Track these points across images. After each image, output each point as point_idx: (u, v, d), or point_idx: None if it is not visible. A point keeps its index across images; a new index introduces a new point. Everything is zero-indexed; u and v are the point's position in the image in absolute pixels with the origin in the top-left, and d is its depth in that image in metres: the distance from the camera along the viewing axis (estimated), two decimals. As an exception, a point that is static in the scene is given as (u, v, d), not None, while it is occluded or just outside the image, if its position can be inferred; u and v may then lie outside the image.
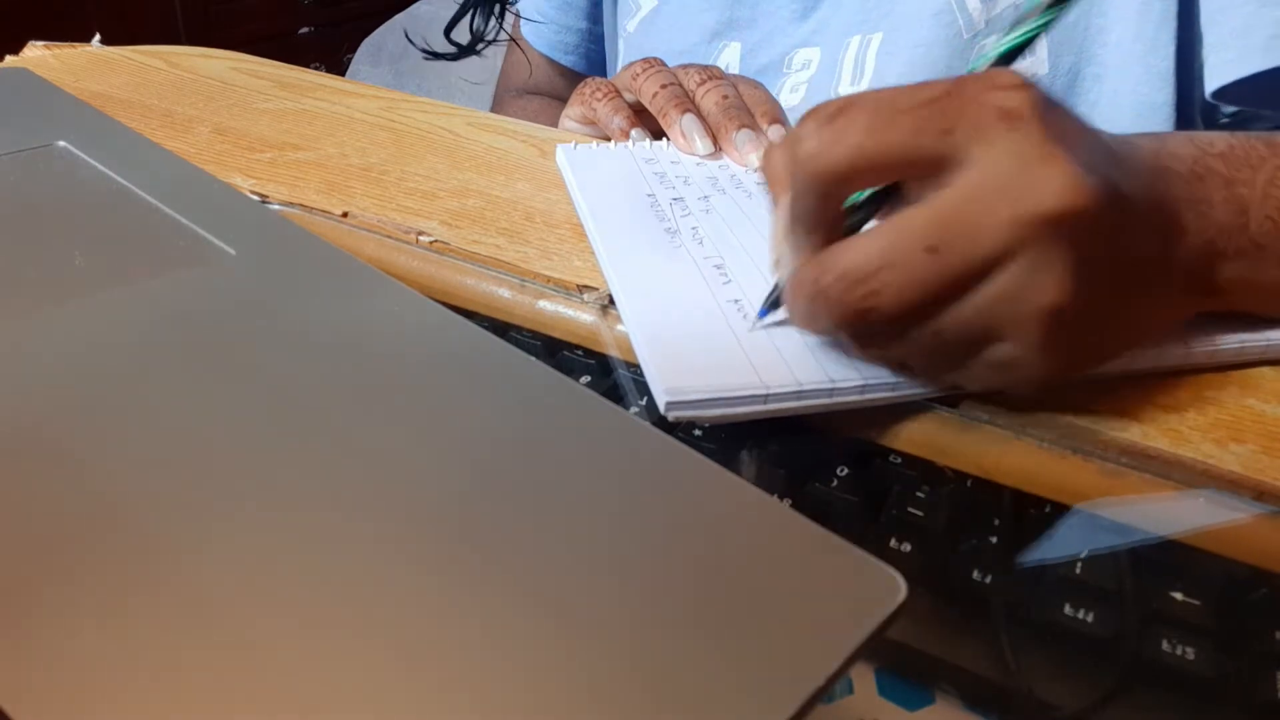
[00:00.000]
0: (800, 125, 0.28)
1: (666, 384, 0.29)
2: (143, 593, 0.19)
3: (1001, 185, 0.26)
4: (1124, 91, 0.47)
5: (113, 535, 0.20)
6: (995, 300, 0.27)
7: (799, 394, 0.29)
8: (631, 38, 0.61)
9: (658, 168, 0.44)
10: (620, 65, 0.63)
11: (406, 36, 0.69)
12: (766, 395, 0.29)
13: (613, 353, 0.34)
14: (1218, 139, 0.32)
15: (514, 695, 0.18)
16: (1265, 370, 0.33)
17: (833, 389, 0.29)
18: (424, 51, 0.66)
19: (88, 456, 0.22)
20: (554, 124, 0.54)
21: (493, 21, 0.64)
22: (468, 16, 0.65)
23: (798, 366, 0.30)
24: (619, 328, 0.34)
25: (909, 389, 0.30)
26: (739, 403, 0.29)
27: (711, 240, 0.37)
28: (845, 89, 0.52)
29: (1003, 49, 0.29)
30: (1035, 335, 0.27)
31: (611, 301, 0.35)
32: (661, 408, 0.29)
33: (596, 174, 0.43)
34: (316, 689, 0.17)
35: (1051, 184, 0.25)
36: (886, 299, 0.27)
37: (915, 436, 0.31)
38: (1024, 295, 0.26)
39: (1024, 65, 0.47)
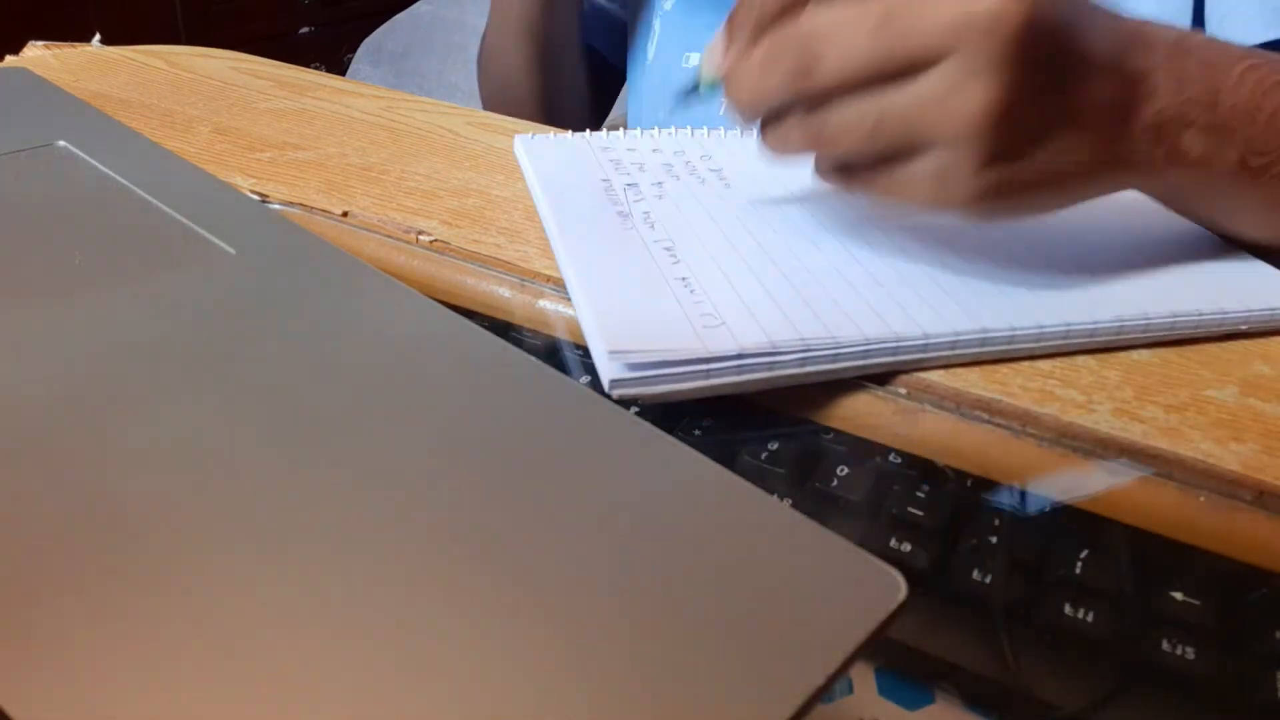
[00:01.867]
0: None
1: (610, 344, 0.29)
2: (143, 592, 0.19)
3: None
4: None
5: (113, 535, 0.20)
6: (929, 95, 0.28)
7: (739, 361, 0.30)
8: (668, 15, 0.61)
9: (613, 155, 0.44)
10: (653, 45, 0.63)
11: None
12: (709, 362, 0.30)
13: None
14: (1199, 33, 0.34)
15: (514, 695, 0.18)
16: (1265, 369, 0.33)
17: (774, 360, 0.30)
18: None
19: (88, 456, 0.22)
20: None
21: None
22: None
23: (740, 333, 0.30)
24: (569, 311, 0.35)
25: (849, 360, 0.31)
26: (683, 375, 0.29)
27: (663, 224, 0.38)
28: None
29: None
30: (969, 139, 0.29)
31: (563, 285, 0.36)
32: (605, 373, 0.29)
33: (552, 162, 0.43)
34: (317, 689, 0.17)
35: None
36: (829, 63, 0.29)
37: (867, 419, 0.31)
38: (954, 95, 0.28)
39: None
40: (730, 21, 0.33)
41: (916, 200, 0.31)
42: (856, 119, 0.30)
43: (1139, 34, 0.32)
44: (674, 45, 0.61)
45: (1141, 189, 0.35)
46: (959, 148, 0.29)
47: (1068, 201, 0.33)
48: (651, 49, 0.63)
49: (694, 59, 0.59)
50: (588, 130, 0.47)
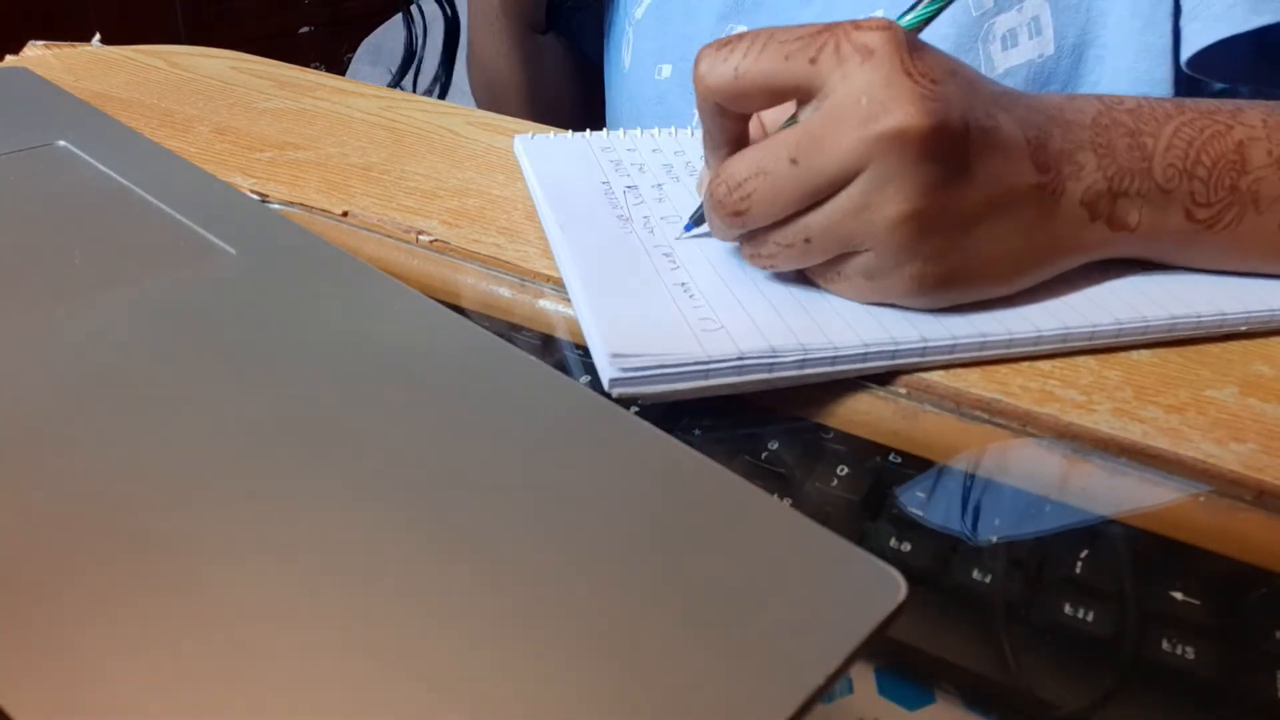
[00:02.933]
0: (700, 51, 0.33)
1: (611, 347, 0.29)
2: (143, 592, 0.19)
3: (852, 108, 0.30)
4: (1123, 69, 0.48)
5: (114, 535, 0.20)
6: (849, 209, 0.31)
7: (740, 364, 0.30)
8: (640, 24, 0.61)
9: (613, 156, 0.44)
10: (629, 53, 0.63)
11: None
12: (708, 364, 0.30)
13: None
14: (1128, 99, 0.35)
15: (514, 695, 0.18)
16: (1265, 369, 0.33)
17: (773, 362, 0.30)
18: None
19: (88, 456, 0.22)
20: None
21: None
22: None
23: (740, 338, 0.31)
24: (569, 311, 0.35)
25: (847, 364, 0.31)
26: (682, 376, 0.30)
27: (662, 228, 0.38)
28: None
29: (912, 21, 0.33)
30: (889, 243, 0.31)
31: (562, 285, 0.36)
32: (605, 373, 0.29)
33: (552, 162, 0.43)
34: (318, 689, 0.17)
35: (895, 107, 0.29)
36: (757, 201, 0.32)
37: (870, 420, 0.31)
38: (873, 205, 0.30)
39: (1031, 45, 0.48)
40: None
41: (858, 296, 0.33)
42: (788, 242, 0.32)
43: (1059, 116, 0.34)
44: (647, 56, 0.61)
45: (1097, 259, 0.35)
46: (882, 252, 0.31)
47: (1015, 285, 0.34)
48: (627, 57, 0.63)
49: (666, 70, 0.60)
50: (587, 130, 0.47)
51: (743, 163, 0.32)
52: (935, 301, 0.33)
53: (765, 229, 0.33)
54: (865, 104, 0.30)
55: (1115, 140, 0.34)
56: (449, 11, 0.68)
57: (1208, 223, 0.35)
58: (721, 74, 0.32)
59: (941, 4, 0.33)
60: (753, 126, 0.36)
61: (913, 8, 0.33)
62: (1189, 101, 0.36)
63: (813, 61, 0.31)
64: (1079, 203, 0.33)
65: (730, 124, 0.34)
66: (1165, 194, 0.34)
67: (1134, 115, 0.35)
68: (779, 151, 0.31)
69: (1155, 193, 0.34)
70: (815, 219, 0.31)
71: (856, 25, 0.31)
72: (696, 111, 0.35)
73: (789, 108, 0.33)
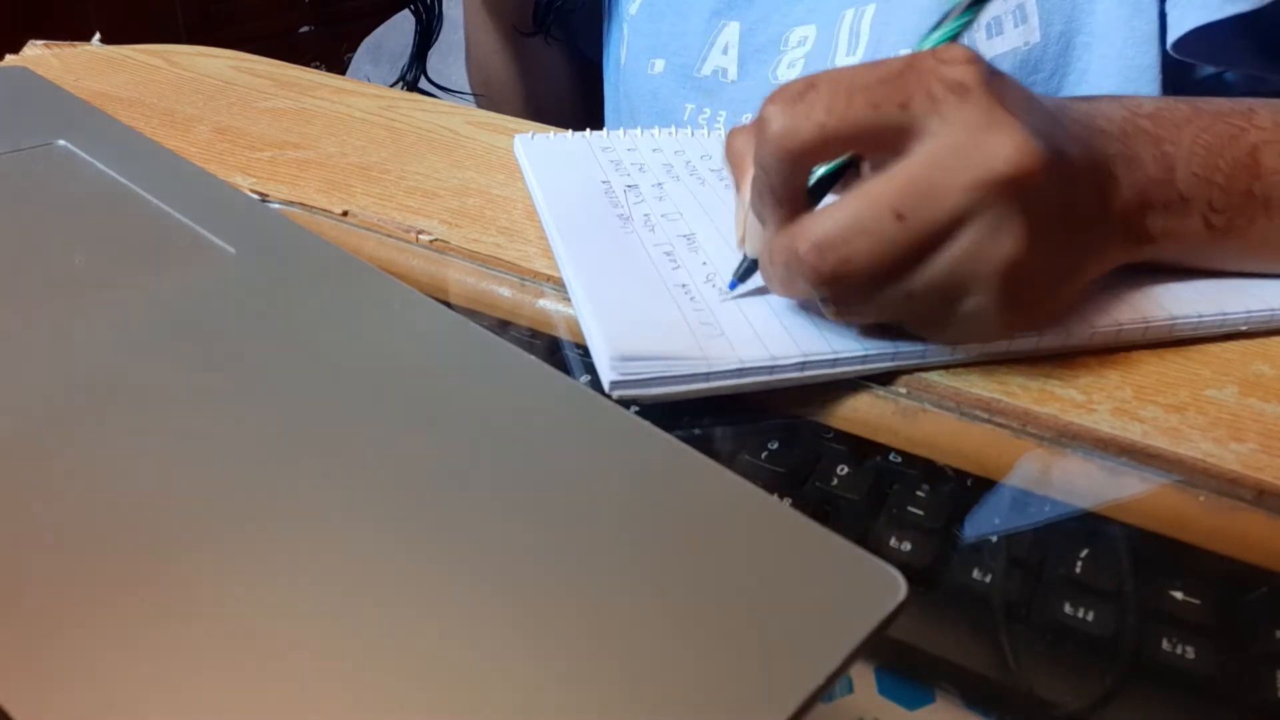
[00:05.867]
0: (766, 106, 0.30)
1: (613, 350, 0.29)
2: (143, 592, 0.19)
3: (958, 152, 0.28)
4: (1111, 55, 0.48)
5: (114, 535, 0.20)
6: (960, 259, 0.29)
7: (740, 370, 0.30)
8: (634, 21, 0.62)
9: (613, 155, 0.44)
10: (624, 49, 0.63)
11: (431, 80, 0.70)
12: (709, 370, 0.30)
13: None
14: (1146, 101, 0.35)
15: (513, 694, 0.18)
16: (1265, 369, 0.33)
17: (773, 365, 0.30)
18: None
19: (88, 456, 0.22)
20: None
21: None
22: None
23: (739, 345, 0.31)
24: (569, 310, 0.35)
25: (847, 365, 0.31)
26: (683, 379, 0.30)
27: (663, 227, 0.38)
28: (842, 60, 0.53)
29: (938, 40, 0.31)
30: (998, 289, 0.29)
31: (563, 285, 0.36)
32: (606, 375, 0.29)
33: (552, 162, 0.43)
34: (319, 690, 0.17)
35: (1003, 149, 0.28)
36: (859, 263, 0.29)
37: (868, 419, 0.31)
38: (985, 252, 0.29)
39: (1017, 33, 0.48)
40: (748, 195, 0.32)
41: (945, 340, 0.32)
42: (889, 300, 0.30)
43: (1092, 124, 0.33)
44: (641, 51, 0.61)
45: (1120, 265, 0.35)
46: (990, 296, 0.30)
47: (1064, 300, 0.33)
48: (623, 53, 0.63)
49: (659, 65, 0.60)
50: (587, 129, 0.47)
51: (835, 222, 0.29)
52: (1017, 334, 0.32)
53: (862, 290, 0.30)
54: (972, 147, 0.28)
55: (1141, 151, 0.33)
56: (423, 15, 0.69)
57: (1223, 229, 0.34)
58: (806, 132, 0.29)
59: (972, 17, 0.31)
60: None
61: (940, 25, 0.32)
62: (1203, 102, 0.35)
63: (903, 106, 0.28)
64: (1115, 216, 0.33)
65: (799, 179, 0.30)
66: (1185, 202, 0.34)
67: (1155, 121, 0.34)
68: (881, 207, 0.28)
69: (1177, 202, 0.33)
70: (922, 275, 0.29)
71: (939, 59, 0.29)
72: (741, 176, 0.32)
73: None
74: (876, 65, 0.29)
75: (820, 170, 0.31)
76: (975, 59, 0.29)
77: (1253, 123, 0.35)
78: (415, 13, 0.68)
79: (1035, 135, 0.28)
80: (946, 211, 0.28)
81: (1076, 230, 0.31)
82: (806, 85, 0.29)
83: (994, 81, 0.29)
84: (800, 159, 0.29)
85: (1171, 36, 0.45)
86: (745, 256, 0.34)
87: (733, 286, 0.34)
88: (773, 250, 0.31)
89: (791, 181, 0.30)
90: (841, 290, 0.30)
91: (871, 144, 0.29)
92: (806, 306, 0.33)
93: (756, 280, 0.34)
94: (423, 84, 0.69)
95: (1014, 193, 0.28)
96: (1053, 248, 0.30)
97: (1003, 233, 0.28)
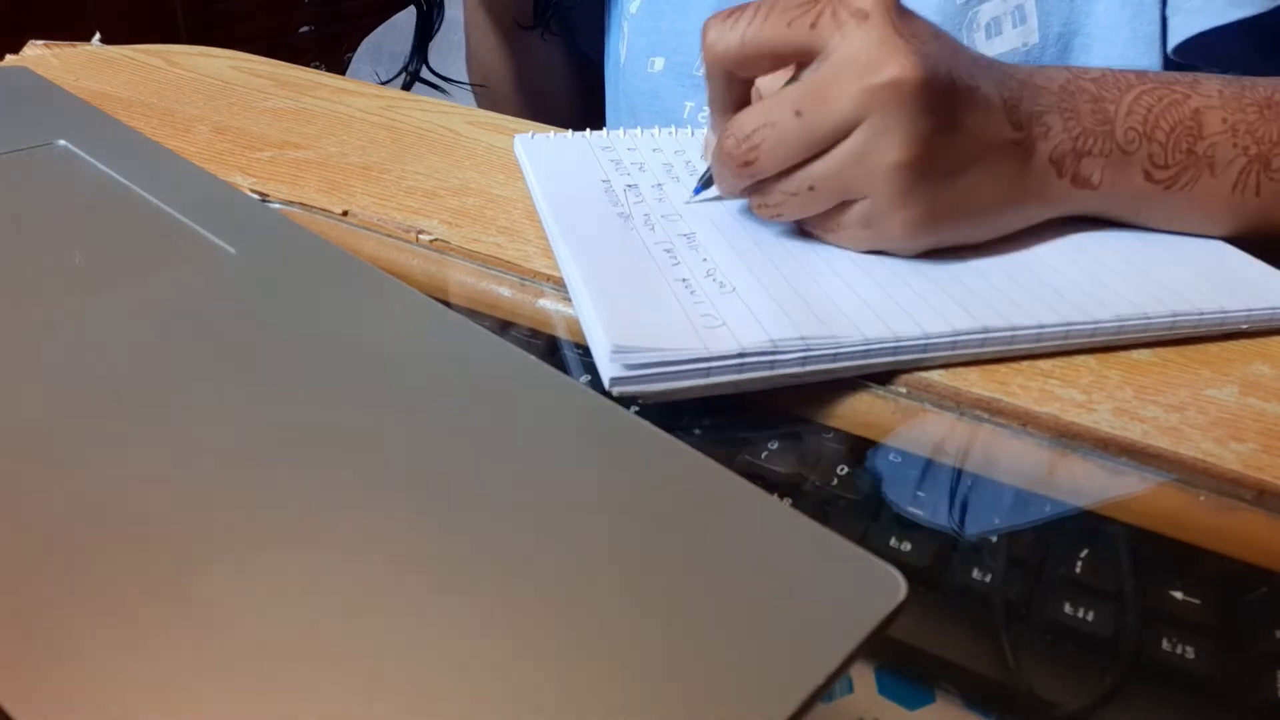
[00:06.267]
0: (706, 22, 0.36)
1: (613, 341, 0.29)
2: (144, 592, 0.19)
3: (850, 63, 0.33)
4: (1113, 57, 0.48)
5: (113, 534, 0.20)
6: (851, 156, 0.33)
7: (740, 360, 0.30)
8: (635, 19, 0.62)
9: (614, 155, 0.44)
10: (624, 47, 0.63)
11: (434, 72, 0.70)
12: (709, 360, 0.30)
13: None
14: (1093, 69, 0.38)
15: (513, 694, 0.18)
16: (1265, 369, 0.33)
17: (774, 359, 0.30)
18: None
19: (88, 455, 0.22)
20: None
21: None
22: None
23: (741, 333, 0.31)
24: (569, 310, 0.36)
25: (849, 360, 0.31)
26: (683, 374, 0.30)
27: (663, 226, 0.38)
28: None
29: None
30: (887, 189, 0.34)
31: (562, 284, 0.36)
32: (606, 371, 0.29)
33: (552, 162, 0.43)
34: (320, 690, 0.17)
35: (888, 61, 0.32)
36: (764, 151, 0.34)
37: (866, 419, 0.31)
38: (873, 152, 0.33)
39: (1015, 34, 0.49)
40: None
41: (855, 244, 0.36)
42: (793, 190, 0.35)
43: (1029, 81, 0.36)
44: (641, 49, 0.61)
45: (1064, 214, 0.38)
46: (881, 197, 0.34)
47: (990, 233, 0.37)
48: (623, 51, 0.63)
49: (659, 63, 0.60)
50: (586, 128, 0.47)
51: (750, 116, 0.34)
52: (921, 245, 0.36)
53: (771, 179, 0.35)
54: (863, 60, 0.32)
55: (1080, 105, 0.37)
56: (424, 7, 0.69)
57: (1165, 183, 0.37)
58: (729, 41, 0.35)
59: None
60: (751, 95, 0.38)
61: None
62: (1150, 73, 0.39)
63: (813, 26, 0.33)
64: (1047, 160, 0.36)
65: (736, 88, 0.37)
66: (1126, 155, 0.37)
67: (1098, 83, 0.37)
68: (785, 105, 0.34)
69: (1116, 153, 0.37)
70: (819, 167, 0.34)
71: None
72: (704, 79, 0.37)
73: (783, 75, 0.35)
74: None
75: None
76: None
77: (1196, 90, 0.38)
78: (416, 3, 0.68)
79: (921, 56, 0.32)
80: (836, 112, 0.33)
81: (982, 153, 0.35)
82: (740, 7, 0.35)
83: (894, 13, 0.33)
84: (728, 65, 0.36)
85: (1174, 41, 0.46)
86: (708, 166, 0.39)
87: (697, 192, 0.40)
88: (714, 149, 0.36)
89: (727, 88, 0.37)
90: (753, 178, 0.35)
91: (786, 58, 0.35)
92: (806, 295, 0.33)
93: (715, 190, 0.39)
94: (425, 74, 0.69)
95: (898, 99, 0.32)
96: (944, 157, 0.34)
97: (888, 135, 0.33)
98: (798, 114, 0.33)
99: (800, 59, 0.34)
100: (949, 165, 0.34)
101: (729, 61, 0.35)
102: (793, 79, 0.35)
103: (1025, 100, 0.36)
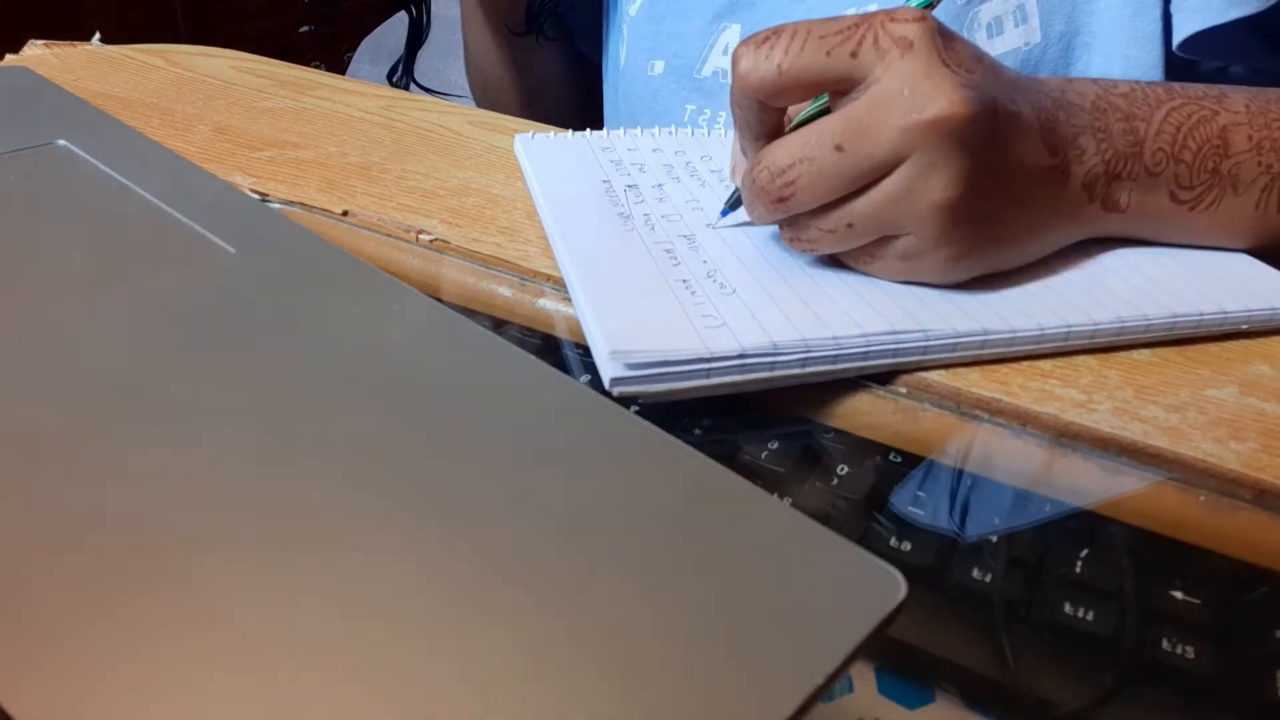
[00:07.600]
0: (737, 49, 0.34)
1: (613, 345, 0.29)
2: (144, 592, 0.19)
3: (895, 97, 0.31)
4: (1115, 55, 0.48)
5: (113, 534, 0.20)
6: (894, 195, 0.32)
7: (741, 361, 0.30)
8: (634, 22, 0.62)
9: (614, 156, 0.44)
10: (624, 50, 0.63)
11: (418, 83, 0.70)
12: (710, 361, 0.30)
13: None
14: (1122, 82, 0.37)
15: (514, 694, 0.18)
16: (1265, 369, 0.33)
17: (775, 360, 0.30)
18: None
19: (88, 455, 0.22)
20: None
21: None
22: None
23: (742, 333, 0.31)
24: (569, 310, 0.35)
25: (850, 361, 0.31)
26: (684, 375, 0.30)
27: (663, 227, 0.38)
28: None
29: (920, 2, 0.34)
30: (930, 227, 0.32)
31: (563, 284, 0.36)
32: (606, 371, 0.29)
33: (552, 162, 0.43)
34: (320, 691, 0.17)
35: (935, 96, 0.31)
36: (801, 186, 0.33)
37: (868, 419, 0.31)
38: (917, 191, 0.32)
39: (1017, 34, 0.49)
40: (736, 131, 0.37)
41: (890, 275, 0.35)
42: (830, 227, 0.34)
43: (1062, 100, 0.35)
44: (640, 53, 0.61)
45: (1092, 236, 0.37)
46: (924, 234, 0.33)
47: (1024, 259, 0.36)
48: (622, 54, 0.63)
49: (659, 66, 0.60)
50: (587, 129, 0.47)
51: (786, 150, 0.33)
52: (960, 277, 0.34)
53: (807, 214, 0.34)
54: (908, 94, 0.31)
55: (1111, 124, 0.36)
56: (414, 12, 0.69)
57: (1190, 204, 0.37)
58: (764, 72, 0.33)
59: None
60: None
61: None
62: (1178, 87, 0.38)
63: (854, 55, 0.32)
64: (1080, 185, 0.35)
65: (769, 116, 0.35)
66: (1153, 177, 0.36)
67: (1128, 99, 0.36)
68: (824, 139, 0.32)
69: (1144, 176, 0.36)
70: (859, 205, 0.33)
71: (891, 17, 0.32)
72: (730, 105, 0.36)
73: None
74: (836, 19, 0.33)
75: (804, 113, 0.34)
76: (924, 18, 0.32)
77: (1224, 106, 0.37)
78: (408, 9, 0.68)
79: (969, 88, 0.31)
80: (880, 148, 0.31)
81: (1022, 182, 0.34)
82: (772, 32, 0.33)
83: (939, 40, 0.32)
84: (762, 96, 0.33)
85: (1177, 38, 0.46)
86: (735, 188, 0.37)
87: (724, 214, 0.38)
88: (744, 178, 0.35)
89: (760, 117, 0.34)
90: (789, 213, 0.34)
91: (825, 87, 0.33)
92: (806, 296, 0.33)
93: (743, 213, 0.37)
94: (411, 89, 0.69)
95: (943, 137, 0.31)
96: (988, 193, 0.32)
97: (933, 174, 0.31)
98: (838, 149, 0.32)
99: (839, 89, 0.33)
100: (991, 201, 0.33)
101: (764, 93, 0.33)
102: (821, 108, 0.33)
103: (1060, 121, 0.35)
